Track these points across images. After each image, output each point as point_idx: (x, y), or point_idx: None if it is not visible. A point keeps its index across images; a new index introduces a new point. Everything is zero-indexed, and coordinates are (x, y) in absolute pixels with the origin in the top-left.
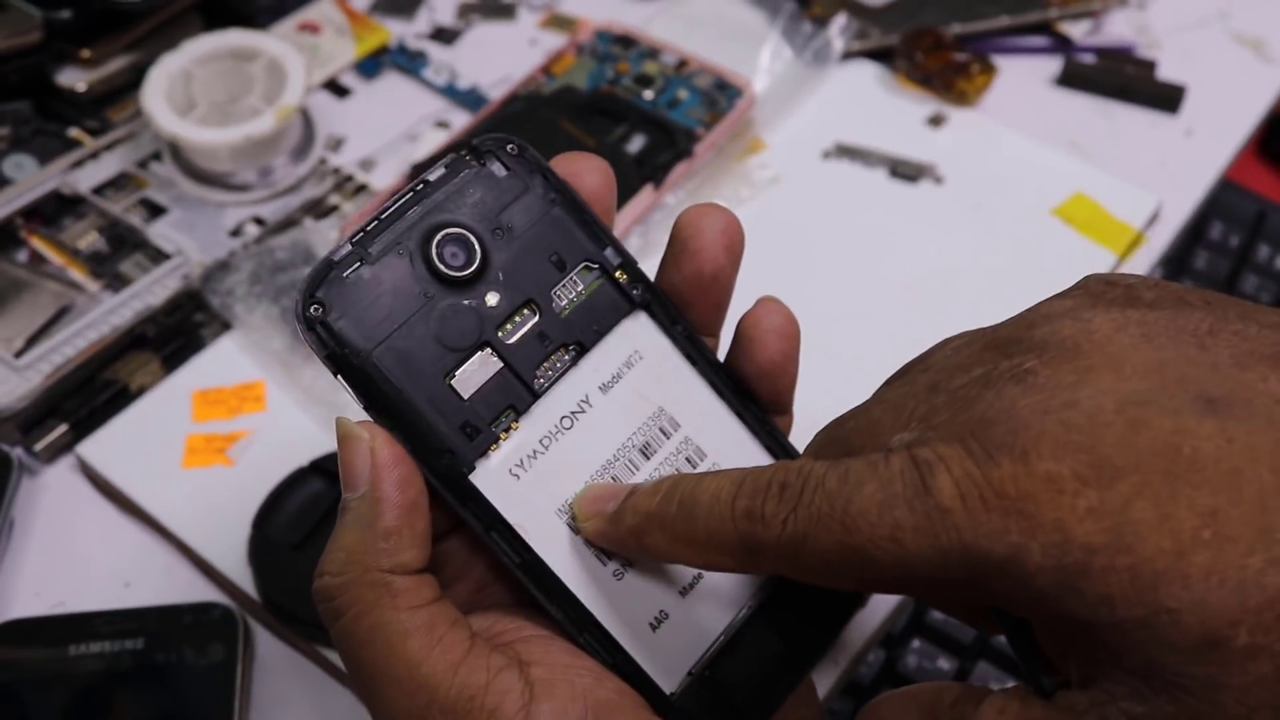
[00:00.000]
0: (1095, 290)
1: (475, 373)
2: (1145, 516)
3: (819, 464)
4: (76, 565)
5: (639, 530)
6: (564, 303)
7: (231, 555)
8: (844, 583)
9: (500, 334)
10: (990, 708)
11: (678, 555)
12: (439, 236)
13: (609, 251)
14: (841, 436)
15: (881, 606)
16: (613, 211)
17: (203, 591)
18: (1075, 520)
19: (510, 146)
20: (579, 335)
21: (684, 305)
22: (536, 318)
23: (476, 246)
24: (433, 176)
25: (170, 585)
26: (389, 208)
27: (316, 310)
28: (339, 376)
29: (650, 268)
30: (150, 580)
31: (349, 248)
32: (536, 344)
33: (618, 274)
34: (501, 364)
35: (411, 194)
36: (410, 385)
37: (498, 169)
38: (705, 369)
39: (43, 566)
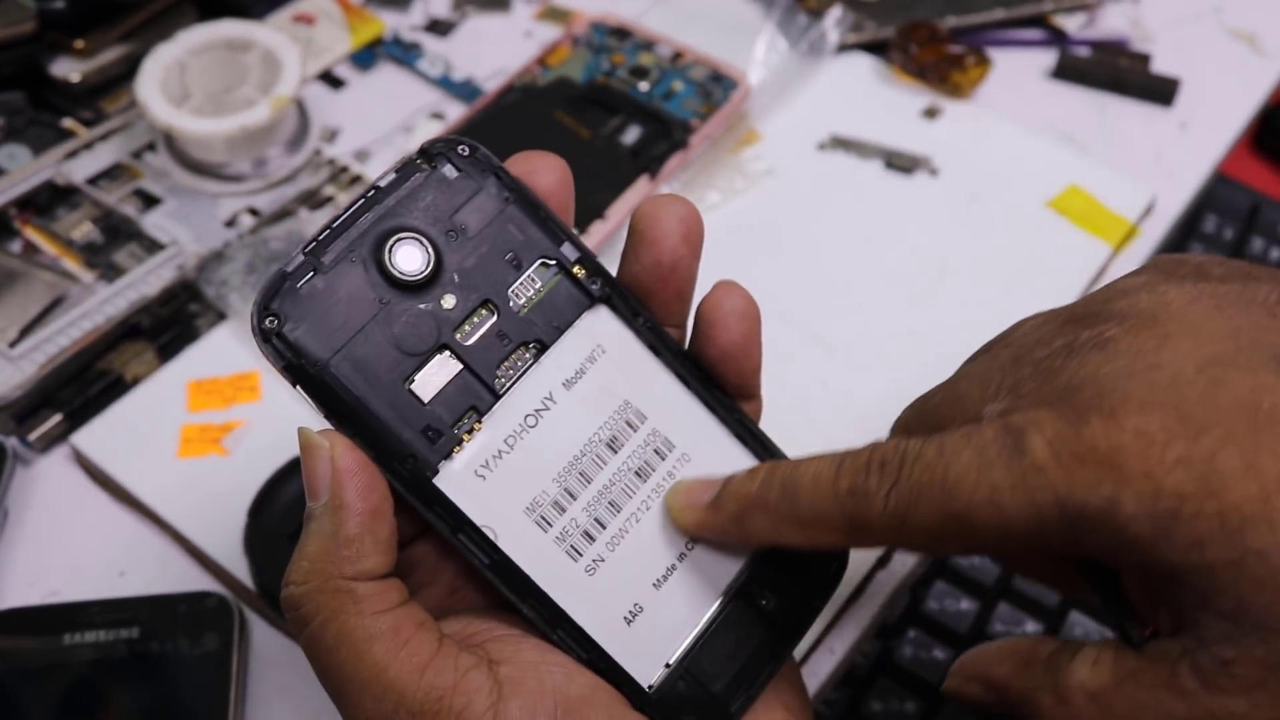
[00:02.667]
0: (1166, 268)
1: (434, 376)
2: (1231, 465)
3: (914, 440)
4: (71, 555)
5: (740, 515)
6: (522, 301)
7: (226, 544)
8: (948, 550)
9: (458, 336)
10: (1085, 659)
11: (781, 536)
12: (391, 242)
13: (566, 247)
14: (929, 410)
15: (877, 596)
16: (571, 209)
17: (197, 581)
18: (1165, 470)
19: (461, 148)
20: (539, 333)
21: (646, 296)
22: (494, 318)
23: (429, 250)
24: (384, 182)
25: (165, 574)
26: (340, 216)
27: (272, 323)
28: (297, 387)
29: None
30: (145, 569)
31: (301, 258)
32: (496, 344)
33: (576, 269)
34: (461, 366)
35: (363, 201)
36: (369, 392)
37: (449, 171)
38: (670, 360)
39: (37, 556)
